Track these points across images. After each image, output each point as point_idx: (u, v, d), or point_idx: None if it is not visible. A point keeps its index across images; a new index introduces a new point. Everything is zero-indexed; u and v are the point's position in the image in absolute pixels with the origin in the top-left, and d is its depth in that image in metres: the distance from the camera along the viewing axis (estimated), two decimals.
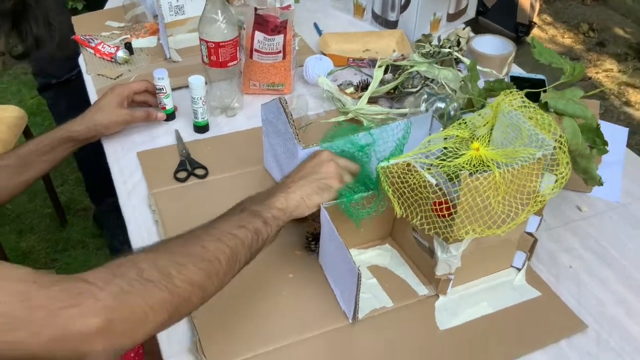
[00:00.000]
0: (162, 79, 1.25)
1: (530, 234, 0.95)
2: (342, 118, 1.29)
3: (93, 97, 1.40)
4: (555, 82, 1.04)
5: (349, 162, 0.94)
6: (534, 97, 0.95)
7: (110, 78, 1.44)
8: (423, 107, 1.15)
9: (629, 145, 1.29)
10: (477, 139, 0.93)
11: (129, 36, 1.59)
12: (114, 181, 1.17)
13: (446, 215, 0.85)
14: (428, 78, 1.29)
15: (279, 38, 1.29)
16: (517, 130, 0.91)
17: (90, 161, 2.03)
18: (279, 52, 1.32)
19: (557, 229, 1.09)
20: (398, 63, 1.34)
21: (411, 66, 1.31)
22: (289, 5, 1.26)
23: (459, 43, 1.39)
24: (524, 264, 0.98)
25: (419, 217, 0.89)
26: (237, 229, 0.78)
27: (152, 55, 1.53)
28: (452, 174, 0.84)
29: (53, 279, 0.62)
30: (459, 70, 1.30)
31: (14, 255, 2.16)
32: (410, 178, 0.88)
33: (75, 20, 1.66)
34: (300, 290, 0.95)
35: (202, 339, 0.86)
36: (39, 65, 1.97)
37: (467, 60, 1.30)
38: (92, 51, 1.52)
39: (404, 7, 1.58)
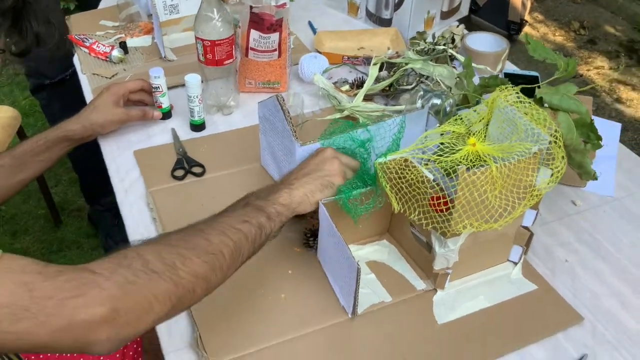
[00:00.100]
0: (158, 78, 1.25)
1: (526, 228, 0.96)
2: (337, 115, 1.29)
3: (88, 96, 1.40)
4: (548, 79, 1.05)
5: (350, 159, 0.95)
6: (528, 93, 0.96)
7: (106, 77, 1.44)
8: (419, 103, 1.16)
9: (621, 142, 1.30)
10: (473, 134, 0.94)
11: (123, 35, 1.59)
12: (111, 180, 1.17)
13: (444, 210, 0.86)
14: (423, 75, 1.30)
15: (275, 36, 1.29)
16: (513, 126, 0.91)
17: (86, 161, 2.03)
18: (275, 50, 1.32)
19: (553, 224, 1.10)
20: (393, 60, 1.35)
21: (406, 63, 1.31)
22: (284, 4, 1.26)
23: (453, 40, 1.40)
24: (520, 258, 0.99)
25: (416, 213, 0.90)
26: (241, 223, 0.79)
27: (147, 54, 1.54)
28: (450, 168, 0.84)
29: (58, 270, 0.63)
30: (454, 67, 1.31)
31: None
32: (407, 173, 0.89)
33: (69, 19, 1.66)
34: (300, 286, 0.95)
35: (202, 334, 0.86)
36: (32, 66, 1.96)
37: (461, 58, 1.31)
38: (86, 50, 1.52)
39: (397, 5, 1.59)
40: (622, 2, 3.85)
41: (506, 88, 0.94)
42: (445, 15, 1.70)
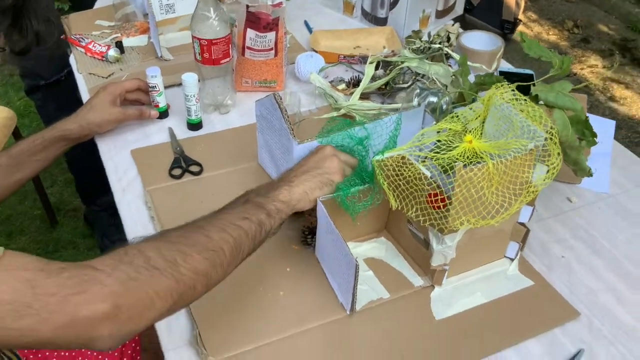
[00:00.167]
0: (155, 77, 1.25)
1: (522, 224, 0.97)
2: (334, 114, 1.30)
3: (85, 96, 1.40)
4: (542, 77, 1.06)
5: (349, 157, 0.96)
6: (523, 91, 0.97)
7: (102, 77, 1.44)
8: (415, 101, 1.17)
9: (615, 140, 1.31)
10: (470, 131, 0.95)
11: (119, 35, 1.59)
12: (108, 179, 1.18)
13: (441, 207, 0.86)
14: (419, 73, 1.30)
15: (271, 35, 1.30)
16: (509, 123, 0.92)
17: (82, 161, 2.03)
18: (271, 49, 1.32)
19: (548, 220, 1.11)
20: (389, 59, 1.35)
21: (402, 62, 1.32)
22: (281, 3, 1.27)
23: (448, 39, 1.41)
24: (516, 254, 1.00)
25: (414, 209, 0.90)
26: (241, 220, 0.79)
27: (143, 53, 1.54)
28: (447, 165, 0.85)
29: (60, 267, 0.63)
30: (449, 66, 1.31)
31: None
32: (405, 171, 0.89)
33: (67, 19, 1.66)
34: (298, 283, 0.96)
35: (201, 331, 0.87)
36: (26, 67, 1.96)
37: (457, 56, 1.31)
38: (82, 50, 1.52)
39: (393, 4, 1.60)
40: (615, 1, 3.87)
41: (502, 85, 0.95)
42: (440, 14, 1.70)
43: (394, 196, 0.92)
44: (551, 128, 0.89)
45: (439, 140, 0.91)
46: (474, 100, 1.07)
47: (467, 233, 0.91)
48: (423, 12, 1.63)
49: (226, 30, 1.23)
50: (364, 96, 1.33)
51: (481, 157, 0.86)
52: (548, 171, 0.89)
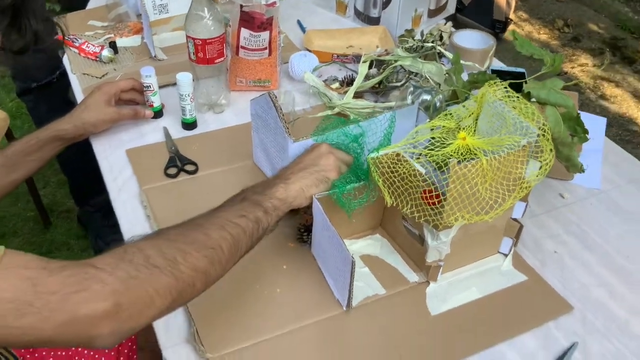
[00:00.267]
0: (150, 77, 1.25)
1: (516, 220, 0.98)
2: (328, 113, 1.30)
3: (79, 96, 1.40)
4: (534, 75, 1.07)
5: (344, 154, 0.97)
6: (516, 89, 0.98)
7: (96, 77, 1.44)
8: (409, 99, 1.18)
9: (606, 137, 1.33)
10: (463, 129, 0.96)
11: (112, 35, 1.59)
12: (104, 178, 1.18)
13: (436, 203, 0.87)
14: (412, 72, 1.31)
15: (265, 35, 1.30)
16: (502, 120, 0.93)
17: (75, 162, 2.02)
18: (265, 48, 1.33)
19: (541, 216, 1.12)
20: (382, 58, 1.36)
21: (395, 61, 1.33)
22: (274, 2, 1.27)
23: (441, 37, 1.42)
24: (510, 250, 1.01)
25: (409, 206, 0.91)
26: (238, 217, 0.80)
27: (137, 54, 1.54)
28: (441, 162, 0.86)
29: (61, 265, 0.64)
30: (442, 64, 1.32)
31: None
32: (400, 168, 0.90)
33: (62, 19, 1.66)
34: (295, 280, 0.96)
35: (199, 329, 0.87)
36: (18, 69, 1.95)
37: (450, 55, 1.33)
38: (76, 51, 1.52)
39: (385, 4, 1.61)
40: (605, 0, 3.90)
41: (495, 83, 0.96)
42: (432, 14, 1.72)
43: (389, 193, 0.93)
44: (543, 125, 0.90)
45: (433, 138, 0.92)
46: (467, 98, 1.08)
47: (462, 229, 0.92)
48: (415, 12, 1.64)
49: (220, 29, 1.24)
50: (358, 95, 1.34)
51: (475, 154, 0.87)
52: (541, 167, 0.90)
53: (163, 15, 1.54)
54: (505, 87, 0.95)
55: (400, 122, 1.05)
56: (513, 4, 3.45)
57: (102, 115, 1.22)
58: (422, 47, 1.37)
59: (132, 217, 1.09)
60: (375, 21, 1.66)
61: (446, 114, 0.97)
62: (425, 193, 0.88)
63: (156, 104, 1.30)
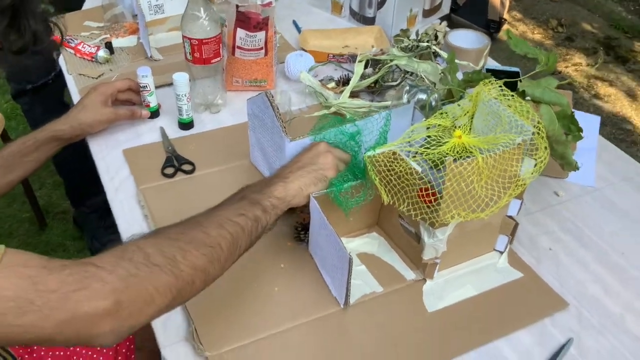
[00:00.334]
0: (146, 77, 1.26)
1: (511, 217, 0.99)
2: (325, 112, 1.31)
3: (75, 97, 1.40)
4: (528, 74, 1.08)
5: (342, 153, 0.97)
6: (510, 88, 0.98)
7: (92, 77, 1.44)
8: (405, 98, 1.18)
9: (600, 136, 1.34)
10: (459, 127, 0.96)
11: (108, 36, 1.59)
12: (100, 178, 1.18)
13: (432, 201, 0.88)
14: (408, 71, 1.32)
15: (261, 35, 1.31)
16: (497, 118, 0.94)
17: (71, 163, 2.02)
18: (261, 48, 1.33)
19: (537, 214, 1.13)
20: (378, 57, 1.37)
21: (391, 60, 1.34)
22: (270, 2, 1.28)
23: (436, 37, 1.43)
24: (506, 247, 1.02)
25: (405, 204, 0.92)
26: (237, 216, 0.80)
27: (133, 54, 1.54)
28: (437, 160, 0.87)
29: (62, 264, 0.64)
30: (437, 64, 1.33)
31: None
32: (396, 166, 0.91)
33: (61, 19, 1.66)
34: (292, 279, 0.97)
35: (197, 327, 0.87)
36: (13, 71, 1.94)
37: (445, 54, 1.33)
38: (72, 51, 1.52)
39: (381, 4, 1.62)
40: (599, 0, 3.92)
41: (490, 82, 0.97)
42: (427, 14, 1.73)
43: (385, 191, 0.94)
44: (538, 123, 0.91)
45: (428, 136, 0.92)
46: (462, 97, 1.08)
47: (458, 227, 0.93)
48: (410, 12, 1.65)
49: (216, 29, 1.24)
50: (354, 94, 1.34)
51: (470, 152, 0.88)
52: (536, 165, 0.91)
53: (159, 15, 1.54)
54: (500, 86, 0.96)
55: (396, 121, 1.05)
56: (507, 3, 3.47)
57: (98, 116, 1.22)
58: (418, 46, 1.37)
59: (129, 217, 1.09)
60: (370, 21, 1.67)
61: (442, 113, 0.97)
62: (421, 191, 0.88)
63: (153, 104, 1.30)
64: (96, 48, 1.50)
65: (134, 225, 1.07)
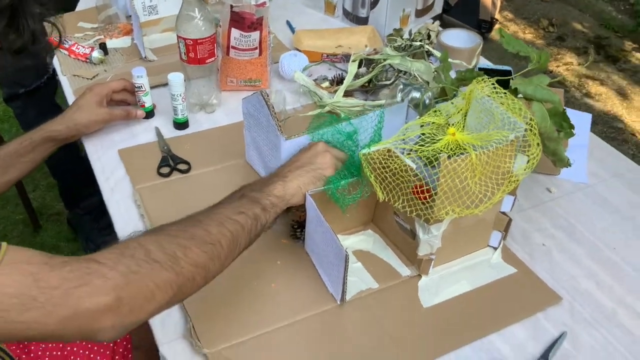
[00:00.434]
0: (141, 77, 1.26)
1: (505, 213, 1.00)
2: (319, 111, 1.32)
3: (70, 97, 1.40)
4: (520, 72, 1.10)
5: (340, 152, 0.98)
6: (502, 86, 1.00)
7: (87, 78, 1.45)
8: (399, 97, 1.19)
9: (591, 133, 1.35)
10: (452, 125, 0.97)
11: (102, 37, 1.59)
12: (96, 178, 1.18)
13: (427, 198, 0.89)
14: (401, 70, 1.33)
15: (255, 35, 1.32)
16: (490, 115, 0.95)
17: (65, 165, 2.03)
18: (255, 48, 1.34)
19: (529, 210, 1.14)
20: (372, 57, 1.38)
21: (384, 59, 1.35)
22: (264, 2, 1.29)
23: (429, 36, 1.44)
24: (499, 243, 1.03)
25: (400, 201, 0.93)
26: (237, 214, 0.81)
27: (127, 55, 1.54)
28: (432, 157, 0.88)
29: (63, 260, 0.65)
30: (431, 63, 1.34)
31: None
32: (391, 163, 0.92)
33: (59, 19, 1.66)
34: (289, 276, 0.98)
35: (195, 324, 0.88)
36: (4, 75, 1.93)
37: (438, 53, 1.35)
38: (66, 52, 1.52)
39: (374, 4, 1.63)
40: (589, 0, 3.96)
41: (482, 80, 0.98)
42: (419, 13, 1.74)
43: (380, 188, 0.95)
44: (530, 120, 0.92)
45: (423, 134, 0.94)
46: (455, 95, 1.09)
47: (452, 223, 0.94)
48: (403, 11, 1.66)
49: (211, 30, 1.25)
50: (348, 94, 1.35)
51: (464, 149, 0.89)
52: (528, 161, 0.93)
53: (153, 16, 1.55)
54: (493, 84, 0.97)
55: (391, 120, 1.06)
56: (498, 4, 3.49)
57: (94, 116, 1.23)
58: (411, 45, 1.39)
59: (126, 216, 1.09)
60: (363, 21, 1.68)
61: (435, 111, 0.99)
62: (416, 188, 0.90)
63: (148, 104, 1.31)
64: (90, 49, 1.51)
65: (130, 224, 1.08)
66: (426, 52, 1.38)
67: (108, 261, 0.66)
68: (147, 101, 1.30)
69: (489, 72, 1.38)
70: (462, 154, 0.88)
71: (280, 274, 0.98)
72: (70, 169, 2.02)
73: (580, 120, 1.35)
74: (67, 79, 1.46)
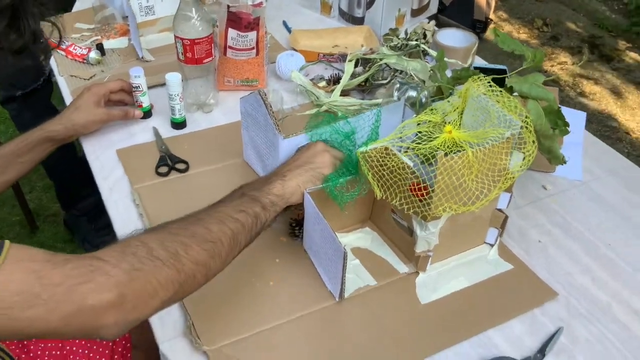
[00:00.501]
0: (139, 77, 1.27)
1: (501, 210, 1.01)
2: (316, 110, 1.33)
3: (67, 98, 1.40)
4: (515, 70, 1.11)
5: (338, 152, 0.99)
6: (498, 84, 1.00)
7: (84, 79, 1.45)
8: (395, 95, 1.20)
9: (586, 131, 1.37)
10: (449, 123, 0.98)
11: (99, 37, 1.60)
12: (95, 178, 1.19)
13: (424, 195, 0.90)
14: (397, 70, 1.34)
15: (252, 35, 1.32)
16: (486, 113, 0.96)
17: (61, 166, 2.03)
18: (252, 48, 1.35)
19: (525, 207, 1.15)
20: (368, 56, 1.39)
21: (380, 59, 1.36)
22: (261, 3, 1.29)
23: (425, 36, 1.45)
24: (496, 240, 1.04)
25: (398, 198, 0.93)
26: (237, 213, 0.82)
27: (124, 55, 1.55)
28: (429, 154, 0.89)
29: (66, 258, 0.65)
30: (426, 62, 1.35)
31: None
32: (388, 161, 0.92)
33: (59, 19, 1.66)
34: (288, 274, 0.98)
35: (195, 322, 0.89)
36: (2, 77, 1.93)
37: (433, 53, 1.36)
38: (63, 53, 1.53)
39: (369, 4, 1.64)
40: (583, 0, 3.98)
41: (478, 78, 0.99)
42: (415, 13, 1.75)
43: (378, 186, 0.95)
44: (526, 117, 0.93)
45: (419, 132, 0.94)
46: (451, 94, 1.10)
47: (449, 220, 0.95)
48: (399, 11, 1.67)
49: (208, 30, 1.25)
50: (345, 93, 1.36)
51: (461, 146, 0.90)
52: (524, 158, 0.93)
53: (149, 17, 1.55)
54: (489, 82, 0.98)
55: (387, 118, 1.07)
56: (493, 4, 3.51)
57: (91, 116, 1.23)
58: (407, 45, 1.40)
59: (125, 216, 1.10)
60: (359, 21, 1.69)
61: (432, 109, 0.99)
62: (413, 185, 0.90)
63: (145, 104, 1.31)
64: (87, 50, 1.51)
65: (129, 224, 1.08)
66: (422, 51, 1.39)
67: (111, 258, 0.67)
68: (145, 101, 1.31)
69: (484, 71, 1.39)
70: (458, 151, 0.89)
71: (279, 271, 0.99)
72: (67, 170, 2.03)
73: (575, 118, 1.36)
74: (64, 80, 1.46)
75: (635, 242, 1.09)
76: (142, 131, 1.30)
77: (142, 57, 1.52)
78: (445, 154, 0.87)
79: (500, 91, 0.97)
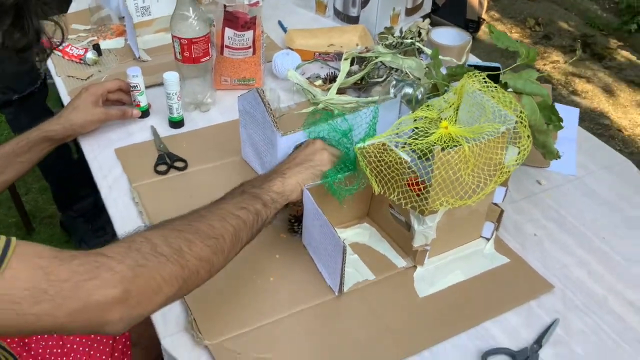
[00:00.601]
0: (136, 77, 1.27)
1: (497, 205, 1.02)
2: (314, 108, 1.34)
3: (65, 98, 1.41)
4: (509, 67, 1.12)
5: (337, 150, 1.01)
6: (493, 81, 1.02)
7: (81, 79, 1.46)
8: (392, 92, 1.22)
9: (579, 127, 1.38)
10: (445, 119, 1.00)
11: (95, 38, 1.60)
12: (94, 177, 1.19)
13: (421, 190, 0.91)
14: (393, 68, 1.36)
15: (249, 34, 1.33)
16: (481, 109, 0.98)
17: (58, 167, 2.03)
18: (249, 47, 1.36)
19: (521, 202, 1.16)
20: (364, 55, 1.40)
21: (376, 57, 1.37)
22: (257, 2, 1.31)
23: (419, 34, 1.46)
24: (492, 234, 1.05)
25: (395, 193, 0.95)
26: (239, 210, 0.83)
27: (121, 55, 1.56)
28: (426, 149, 0.90)
29: (72, 254, 0.66)
30: (421, 60, 1.37)
31: None
32: (386, 157, 0.94)
33: (62, 18, 1.66)
34: (287, 269, 0.99)
35: (196, 317, 0.89)
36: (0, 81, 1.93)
37: (428, 51, 1.37)
38: (60, 54, 1.53)
39: (364, 3, 1.65)
40: None
41: (473, 74, 1.01)
42: (409, 12, 1.76)
43: (376, 182, 0.97)
44: (521, 112, 0.95)
45: (416, 128, 0.96)
46: (446, 91, 1.12)
47: (446, 214, 0.96)
48: (393, 10, 1.69)
49: (205, 29, 1.26)
50: (341, 91, 1.37)
51: (457, 141, 0.91)
52: (519, 152, 0.95)
53: (146, 17, 1.56)
54: (484, 78, 0.99)
55: (384, 115, 1.09)
56: (485, 3, 3.53)
57: (89, 116, 1.24)
58: (402, 43, 1.41)
59: (124, 214, 1.11)
60: (354, 20, 1.70)
61: (428, 106, 1.01)
62: (410, 180, 0.92)
63: (143, 103, 1.32)
64: (84, 50, 1.52)
65: (128, 222, 1.09)
66: (417, 49, 1.40)
67: (116, 255, 0.68)
68: (143, 100, 1.32)
69: (478, 69, 1.41)
70: (455, 146, 0.90)
71: (279, 267, 1.00)
72: (63, 171, 2.03)
73: (568, 114, 1.38)
74: (61, 80, 1.47)
75: (628, 235, 1.11)
76: (140, 130, 1.31)
77: (138, 57, 1.53)
78: (442, 149, 0.89)
79: (495, 87, 0.98)
